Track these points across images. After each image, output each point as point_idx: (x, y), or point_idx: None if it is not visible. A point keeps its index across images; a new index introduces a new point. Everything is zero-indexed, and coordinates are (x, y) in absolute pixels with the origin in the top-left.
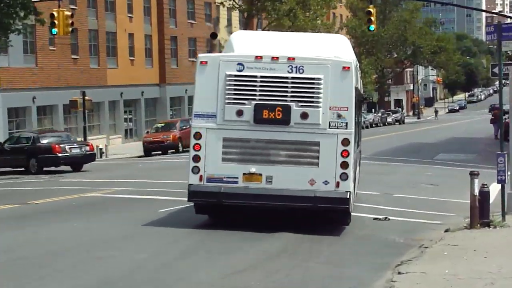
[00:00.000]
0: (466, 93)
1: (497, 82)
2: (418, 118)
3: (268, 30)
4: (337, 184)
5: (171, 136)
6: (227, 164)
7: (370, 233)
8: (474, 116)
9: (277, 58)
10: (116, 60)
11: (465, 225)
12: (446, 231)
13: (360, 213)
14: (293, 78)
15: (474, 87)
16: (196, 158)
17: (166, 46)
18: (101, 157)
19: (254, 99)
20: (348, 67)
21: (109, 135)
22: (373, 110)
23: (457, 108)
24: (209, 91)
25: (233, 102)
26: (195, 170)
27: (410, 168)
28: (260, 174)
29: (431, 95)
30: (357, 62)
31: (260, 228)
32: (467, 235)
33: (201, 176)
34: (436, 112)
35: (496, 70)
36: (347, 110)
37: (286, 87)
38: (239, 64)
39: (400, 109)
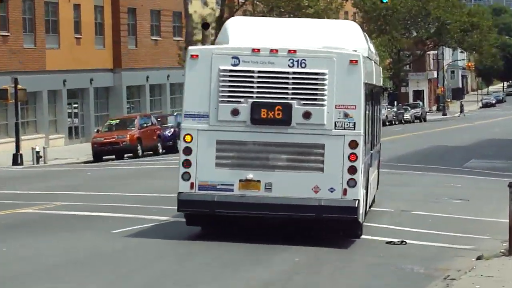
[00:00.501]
0: (505, 82)
1: None
2: (444, 114)
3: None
4: (344, 192)
5: (127, 136)
6: (221, 170)
7: (383, 261)
8: None
9: (277, 50)
10: (58, 39)
11: (502, 250)
12: (479, 258)
13: (371, 235)
14: (294, 73)
15: None
16: (187, 163)
17: (122, 21)
18: (38, 162)
19: (251, 97)
20: (356, 61)
21: (49, 135)
22: (395, 102)
23: (494, 101)
24: (201, 88)
25: (228, 101)
26: (186, 176)
27: (433, 178)
28: (258, 181)
29: (460, 85)
30: (372, 49)
31: (249, 248)
32: (505, 264)
33: (192, 184)
34: (461, 107)
35: None
36: (355, 108)
37: (287, 83)
38: (234, 57)
39: (420, 102)
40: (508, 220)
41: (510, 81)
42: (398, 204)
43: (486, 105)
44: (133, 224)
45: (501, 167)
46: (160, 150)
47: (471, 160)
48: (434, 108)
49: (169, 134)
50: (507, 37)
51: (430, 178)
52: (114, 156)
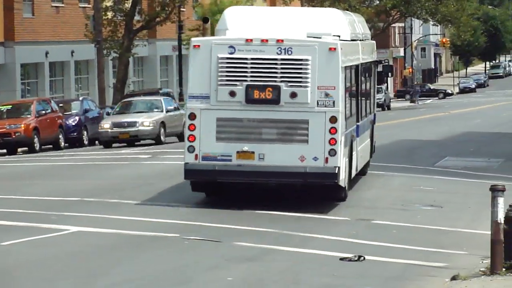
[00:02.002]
0: (488, 63)
1: None
2: (412, 101)
3: None
4: (326, 160)
5: (22, 125)
6: (221, 143)
7: (336, 282)
8: (500, 98)
9: (267, 40)
10: None
11: (482, 269)
12: (453, 278)
13: (321, 250)
14: (282, 59)
15: (500, 53)
16: (192, 138)
17: None
18: None
19: (246, 81)
20: (335, 48)
21: None
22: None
23: (473, 86)
24: (203, 74)
25: (226, 84)
26: (191, 149)
27: (399, 180)
28: (253, 152)
29: (433, 66)
30: (358, 29)
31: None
32: (486, 286)
33: (196, 155)
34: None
35: None
36: (334, 89)
37: (276, 68)
38: (230, 47)
39: (383, 87)
40: (489, 232)
41: (494, 61)
42: (356, 211)
43: (464, 90)
44: (33, 233)
45: (481, 166)
46: (62, 144)
47: (446, 158)
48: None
49: (73, 124)
50: (490, 7)
51: (395, 180)
52: (5, 151)
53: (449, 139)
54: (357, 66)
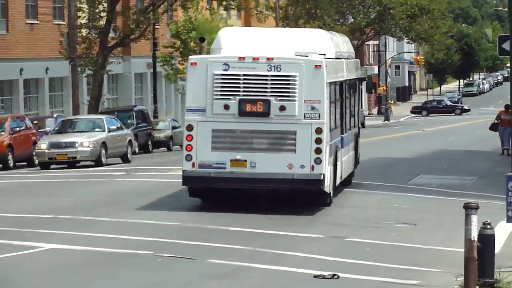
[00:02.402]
0: (462, 80)
1: (509, 64)
2: (386, 119)
3: None
4: (312, 168)
5: None
6: (216, 152)
7: None
8: (474, 116)
9: (258, 58)
10: None
11: (456, 287)
12: None
13: (295, 267)
14: (272, 75)
15: (473, 71)
16: (189, 147)
17: None
18: None
19: (239, 95)
20: (320, 65)
21: None
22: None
23: (448, 103)
24: (199, 89)
25: (221, 98)
26: (188, 158)
27: (373, 197)
28: (245, 160)
29: (407, 84)
30: (343, 48)
31: None
32: None
33: (193, 163)
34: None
35: (506, 45)
36: (320, 102)
37: (266, 83)
38: (224, 64)
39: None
40: (463, 250)
41: (468, 79)
42: (330, 228)
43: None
44: (11, 250)
45: (455, 184)
46: (37, 161)
47: (419, 175)
48: (375, 111)
49: None
50: (464, 25)
51: (369, 198)
52: None
53: (423, 157)
54: (341, 82)
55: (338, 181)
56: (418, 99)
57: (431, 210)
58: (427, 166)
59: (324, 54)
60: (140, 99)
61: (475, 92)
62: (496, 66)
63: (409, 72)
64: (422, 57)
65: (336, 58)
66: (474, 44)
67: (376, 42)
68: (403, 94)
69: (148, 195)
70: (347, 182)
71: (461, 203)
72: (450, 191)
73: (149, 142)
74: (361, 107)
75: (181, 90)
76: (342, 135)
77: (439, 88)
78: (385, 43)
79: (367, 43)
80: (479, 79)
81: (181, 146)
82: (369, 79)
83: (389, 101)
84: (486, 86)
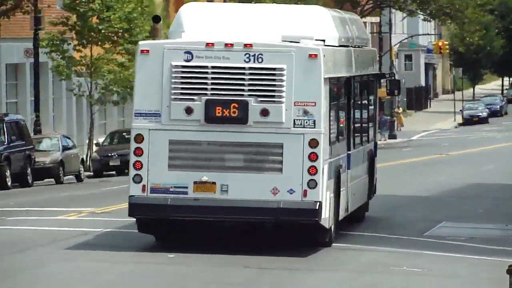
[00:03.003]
0: (508, 78)
1: None
2: (392, 136)
3: None
4: (304, 193)
5: None
6: (174, 172)
7: None
8: None
9: (232, 45)
10: None
11: None
12: None
13: None
14: (250, 68)
15: None
16: (138, 165)
17: None
18: None
19: (205, 94)
20: (316, 55)
21: None
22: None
23: (484, 114)
24: (152, 85)
25: (181, 98)
26: (137, 179)
27: (371, 256)
28: (214, 183)
29: (424, 82)
30: (351, 33)
31: None
32: None
33: (144, 186)
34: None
35: None
36: (315, 105)
37: (243, 79)
38: (187, 52)
39: None
40: None
41: None
42: None
43: (471, 121)
44: None
45: (495, 236)
46: None
47: (442, 223)
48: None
49: None
50: None
51: (366, 256)
52: None
53: (447, 195)
54: (348, 78)
55: (342, 214)
56: (439, 106)
57: (459, 276)
58: (453, 208)
59: (323, 40)
60: (15, 104)
61: None
62: None
63: (427, 66)
64: (446, 43)
65: (341, 46)
66: None
67: (376, 19)
68: (418, 98)
69: (28, 250)
70: (357, 217)
71: (501, 266)
72: (487, 247)
73: (28, 170)
74: (379, 115)
75: (78, 91)
76: (349, 152)
77: (472, 90)
78: (390, 20)
79: (363, 20)
80: None
81: (77, 175)
82: (392, 75)
83: (396, 109)
84: None
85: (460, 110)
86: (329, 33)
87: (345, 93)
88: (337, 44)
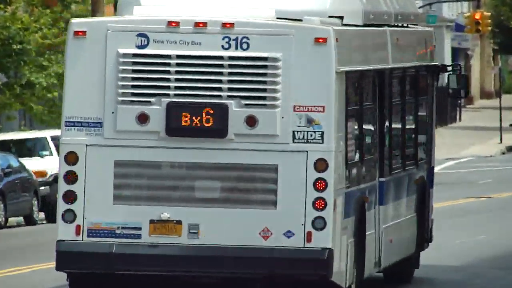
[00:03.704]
0: None
1: None
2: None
3: None
4: (308, 237)
5: None
6: (122, 206)
7: None
8: None
9: (205, 24)
10: None
11: None
12: None
13: None
14: (231, 58)
15: None
16: (70, 197)
17: None
18: None
19: (167, 95)
20: (325, 39)
21: None
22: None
23: None
24: (91, 83)
25: (132, 101)
26: (69, 216)
27: None
28: (179, 222)
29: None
30: (386, 4)
31: None
32: None
33: (78, 227)
34: None
35: None
36: (324, 111)
37: (221, 73)
38: (140, 35)
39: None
40: None
41: None
42: None
43: None
44: None
45: None
46: None
47: None
48: None
49: None
50: None
51: None
52: None
53: (489, 265)
54: (380, 73)
55: (370, 269)
56: (476, 119)
57: None
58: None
59: (341, 18)
60: None
61: None
62: None
63: (455, 52)
64: (487, 14)
65: (368, 26)
66: None
67: None
68: (440, 106)
69: None
70: (398, 274)
71: None
72: None
73: None
74: (434, 125)
75: None
76: (382, 179)
77: None
78: None
79: None
80: None
81: (27, 217)
82: (457, 68)
83: None
84: None
85: (511, 125)
86: (349, 6)
87: (375, 94)
88: (361, 23)
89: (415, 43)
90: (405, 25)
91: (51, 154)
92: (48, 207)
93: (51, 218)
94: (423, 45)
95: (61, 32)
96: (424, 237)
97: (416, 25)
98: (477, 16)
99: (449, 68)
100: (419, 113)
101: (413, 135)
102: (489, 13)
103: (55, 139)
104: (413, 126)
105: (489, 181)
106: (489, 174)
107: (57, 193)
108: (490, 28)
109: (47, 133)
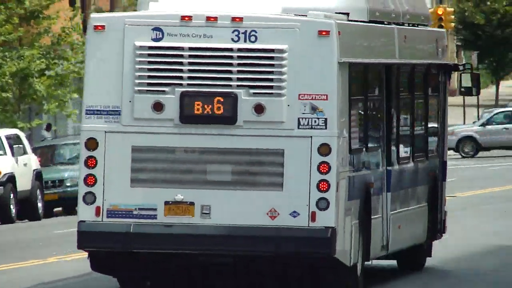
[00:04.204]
0: None
1: None
2: None
3: None
4: (312, 216)
5: None
6: (139, 189)
7: None
8: None
9: (215, 18)
10: None
11: None
12: None
13: None
14: (240, 50)
15: None
16: (90, 180)
17: None
18: None
19: (181, 85)
20: (327, 32)
21: None
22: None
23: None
24: (109, 74)
25: (148, 90)
26: (89, 198)
27: None
28: (192, 203)
29: None
30: (398, 4)
31: None
32: None
33: (98, 208)
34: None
35: None
36: (327, 99)
37: (231, 64)
38: (155, 29)
39: None
40: None
41: None
42: None
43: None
44: None
45: None
46: None
47: None
48: None
49: None
50: None
51: None
52: None
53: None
54: (387, 67)
55: (377, 251)
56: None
57: None
58: None
59: (347, 14)
60: None
61: None
62: None
63: None
64: (450, 9)
65: (373, 22)
66: None
67: None
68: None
69: None
70: (410, 262)
71: None
72: None
73: None
74: (446, 123)
75: None
76: (390, 168)
77: (495, 88)
78: None
79: None
80: None
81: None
82: (467, 67)
83: None
84: None
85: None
86: (355, 3)
87: (381, 86)
88: (366, 19)
89: (425, 41)
90: (415, 24)
91: (4, 153)
92: (2, 207)
93: (5, 219)
94: (434, 44)
95: (16, 28)
96: (436, 227)
97: (426, 25)
98: (440, 12)
99: (461, 68)
100: (430, 109)
101: (422, 129)
102: (452, 9)
103: (9, 138)
104: (422, 120)
105: (453, 180)
106: (454, 173)
107: (10, 192)
108: (453, 24)
109: (1, 133)
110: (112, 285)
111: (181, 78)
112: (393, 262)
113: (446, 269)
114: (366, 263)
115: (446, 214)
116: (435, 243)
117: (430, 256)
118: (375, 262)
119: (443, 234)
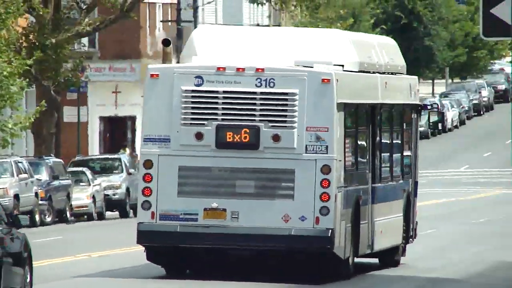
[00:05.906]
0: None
1: None
2: None
3: None
4: (317, 220)
5: None
6: (184, 198)
7: None
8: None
9: (243, 69)
10: None
11: None
12: None
13: None
14: (262, 93)
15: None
16: (147, 191)
17: None
18: None
19: (216, 119)
20: (328, 80)
21: None
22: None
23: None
24: (162, 110)
25: (191, 123)
26: (146, 205)
27: None
28: (224, 210)
29: None
30: (378, 58)
31: None
32: None
33: (153, 213)
34: None
35: None
36: (327, 131)
37: (254, 104)
38: (197, 77)
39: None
40: None
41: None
42: None
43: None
44: None
45: None
46: None
47: None
48: None
49: None
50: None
51: None
52: None
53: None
54: (372, 106)
55: (364, 248)
56: None
57: None
58: None
59: (342, 66)
60: None
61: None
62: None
63: None
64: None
65: (363, 72)
66: None
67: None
68: None
69: None
70: (389, 259)
71: None
72: None
73: None
74: (417, 150)
75: None
76: (374, 184)
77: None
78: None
79: None
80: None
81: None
82: (435, 107)
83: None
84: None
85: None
86: (348, 57)
87: (368, 121)
88: (357, 69)
89: (400, 86)
90: (393, 73)
91: None
92: None
93: None
94: (406, 88)
95: None
96: (409, 234)
97: (402, 73)
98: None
99: (429, 107)
100: (404, 139)
101: (399, 155)
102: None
103: None
104: (399, 148)
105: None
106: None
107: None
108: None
109: None
110: (159, 272)
111: (216, 114)
112: (375, 260)
113: (415, 265)
114: (355, 259)
115: (417, 224)
116: (408, 246)
117: (403, 255)
118: (361, 260)
119: (414, 239)
